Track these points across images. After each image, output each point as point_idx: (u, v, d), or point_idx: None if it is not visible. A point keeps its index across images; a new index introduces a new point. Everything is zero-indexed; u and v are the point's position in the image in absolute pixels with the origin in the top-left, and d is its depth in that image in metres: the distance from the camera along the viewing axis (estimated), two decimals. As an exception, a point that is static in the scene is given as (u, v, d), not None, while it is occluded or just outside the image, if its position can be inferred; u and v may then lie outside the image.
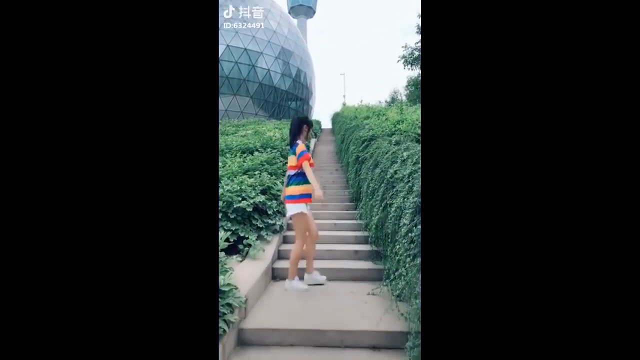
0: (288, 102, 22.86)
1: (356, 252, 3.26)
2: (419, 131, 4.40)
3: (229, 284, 1.92)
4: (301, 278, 2.67)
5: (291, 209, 2.55)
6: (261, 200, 3.45)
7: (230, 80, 20.09)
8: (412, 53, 16.65)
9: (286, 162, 5.46)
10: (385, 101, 20.94)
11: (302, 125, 2.71)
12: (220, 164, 4.77)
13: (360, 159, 4.50)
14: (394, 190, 2.52)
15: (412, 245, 1.81)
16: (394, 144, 3.56)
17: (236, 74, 20.19)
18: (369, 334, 1.86)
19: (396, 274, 2.02)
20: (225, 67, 19.80)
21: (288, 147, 6.16)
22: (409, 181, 2.29)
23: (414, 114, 6.48)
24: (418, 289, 1.60)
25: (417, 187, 2.02)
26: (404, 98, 19.66)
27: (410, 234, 1.85)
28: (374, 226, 2.93)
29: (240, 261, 2.81)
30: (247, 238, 3.05)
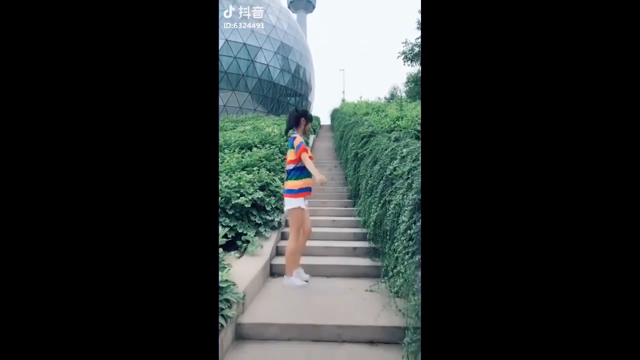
0: (287, 97, 22.76)
1: (354, 249, 3.27)
2: (419, 128, 4.40)
3: (227, 280, 1.93)
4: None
5: (289, 203, 2.55)
6: (259, 196, 3.45)
7: (229, 76, 19.97)
8: (412, 49, 16.56)
9: (285, 158, 5.47)
10: (385, 97, 20.88)
11: (299, 118, 2.69)
12: (218, 159, 4.75)
13: (359, 155, 4.50)
14: (393, 187, 2.52)
15: (410, 242, 1.81)
16: (394, 141, 3.56)
17: (235, 69, 20.06)
18: (366, 329, 1.88)
19: (394, 271, 2.03)
20: (224, 62, 19.66)
21: (287, 143, 6.18)
22: (408, 178, 2.29)
23: (414, 110, 6.47)
24: (416, 285, 1.61)
25: (417, 184, 2.02)
26: (403, 94, 19.61)
27: (409, 231, 1.86)
28: (372, 223, 2.94)
29: (239, 257, 2.81)
30: (246, 234, 3.05)
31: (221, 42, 19.41)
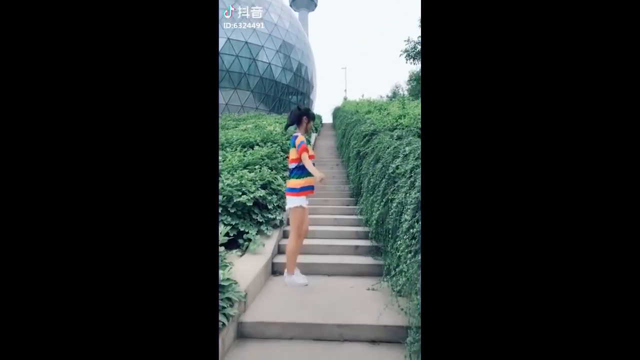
0: (289, 96, 22.73)
1: (356, 247, 3.26)
2: (421, 126, 4.35)
3: (228, 279, 1.92)
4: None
5: (291, 201, 2.54)
6: (261, 194, 3.45)
7: (231, 74, 19.97)
8: (414, 47, 16.48)
9: (286, 157, 5.47)
10: (387, 96, 20.83)
11: (302, 116, 2.67)
12: (220, 158, 4.75)
13: (361, 153, 4.48)
14: (396, 185, 2.50)
15: (413, 241, 1.80)
16: (396, 139, 3.54)
17: (237, 67, 20.06)
18: (368, 328, 1.87)
19: (397, 270, 2.01)
20: (226, 61, 19.67)
21: (289, 142, 6.18)
22: (410, 176, 2.27)
23: (416, 108, 6.44)
24: (419, 284, 1.60)
25: (419, 182, 2.01)
26: (405, 93, 19.54)
27: (411, 230, 1.84)
28: (374, 222, 2.92)
29: (240, 256, 2.81)
30: (247, 232, 3.05)
31: (223, 41, 19.41)
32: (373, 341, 1.84)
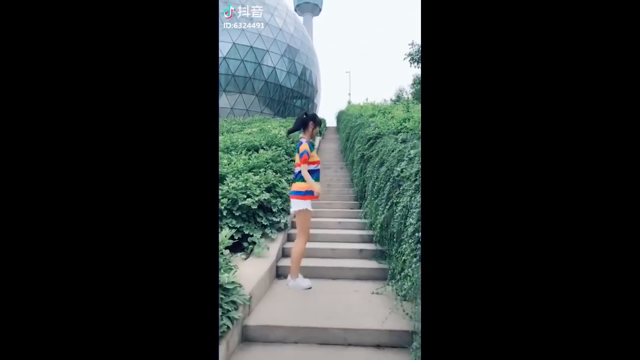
0: (293, 100, 22.84)
1: (360, 251, 3.24)
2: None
3: (233, 282, 1.92)
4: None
5: (296, 204, 2.54)
6: (266, 197, 3.45)
7: (237, 78, 20.13)
8: (418, 51, 16.48)
9: (291, 160, 5.48)
10: (391, 99, 20.80)
11: (308, 121, 2.68)
12: (225, 161, 4.78)
13: (365, 157, 4.48)
14: (401, 189, 2.49)
15: (418, 245, 1.79)
16: (401, 142, 3.53)
17: (242, 72, 20.22)
18: (373, 333, 1.85)
19: (402, 274, 2.00)
20: (231, 65, 19.85)
21: (293, 145, 6.19)
22: (416, 180, 2.26)
23: (421, 112, 6.40)
24: (424, 289, 1.58)
25: (424, 186, 2.00)
26: (409, 96, 19.51)
27: (417, 234, 1.83)
28: (379, 225, 2.91)
29: (245, 259, 2.81)
30: (252, 236, 3.05)
31: (229, 46, 19.61)
32: (378, 346, 1.83)
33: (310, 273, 2.80)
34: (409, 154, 2.78)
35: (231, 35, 19.62)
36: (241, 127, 10.44)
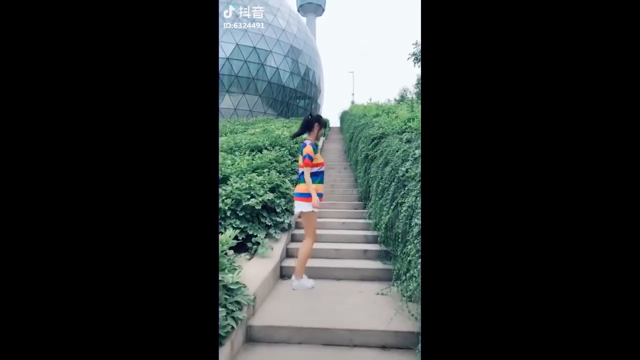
0: (296, 100, 22.87)
1: (365, 251, 3.23)
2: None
3: (237, 282, 1.92)
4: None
5: (301, 206, 2.53)
6: (270, 198, 3.45)
7: (240, 79, 20.21)
8: (422, 50, 16.41)
9: (295, 160, 5.48)
10: (395, 99, 20.76)
11: (312, 123, 2.67)
12: (229, 161, 4.79)
13: (369, 157, 4.46)
14: (406, 189, 2.48)
15: (423, 245, 1.77)
16: (405, 142, 3.51)
17: (245, 72, 20.29)
18: (378, 334, 1.84)
19: (407, 275, 1.98)
20: (234, 66, 19.92)
21: (297, 146, 6.18)
22: (420, 180, 2.24)
23: (425, 112, 6.37)
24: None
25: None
26: (414, 96, 19.46)
27: (422, 234, 1.82)
28: (383, 226, 2.90)
29: (249, 259, 2.81)
30: (256, 236, 3.05)
31: (231, 46, 19.69)
32: (384, 347, 1.81)
33: (315, 274, 2.79)
34: (414, 154, 2.76)
35: (234, 36, 19.70)
36: (244, 127, 10.47)
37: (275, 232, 3.29)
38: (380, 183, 3.30)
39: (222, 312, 1.61)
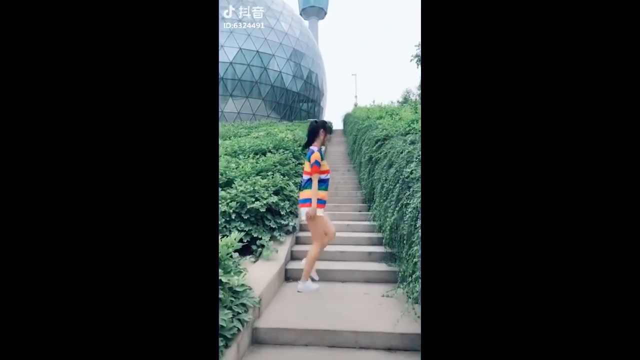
0: (299, 103, 22.95)
1: (370, 253, 3.22)
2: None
3: (243, 285, 1.92)
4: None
5: (305, 212, 2.53)
6: (274, 200, 3.46)
7: (243, 83, 20.34)
8: (425, 52, 16.40)
9: (298, 163, 5.49)
10: (398, 101, 20.75)
11: (318, 129, 2.67)
12: (233, 165, 4.81)
13: (373, 159, 4.46)
14: (411, 190, 2.47)
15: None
16: (410, 144, 3.51)
17: (248, 76, 20.42)
18: (384, 335, 1.83)
19: (413, 276, 1.98)
20: (237, 70, 20.06)
21: (300, 148, 6.19)
22: (425, 181, 2.24)
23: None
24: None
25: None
26: (417, 98, 19.42)
27: (427, 235, 1.81)
28: (388, 227, 2.89)
29: (254, 262, 2.82)
30: (261, 239, 3.06)
31: (235, 50, 19.83)
32: (389, 349, 1.80)
33: (320, 276, 2.79)
34: (419, 155, 2.76)
35: (237, 40, 19.85)
36: (248, 131, 10.52)
37: (280, 235, 3.29)
38: (385, 185, 3.30)
39: (228, 314, 1.62)
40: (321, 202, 2.55)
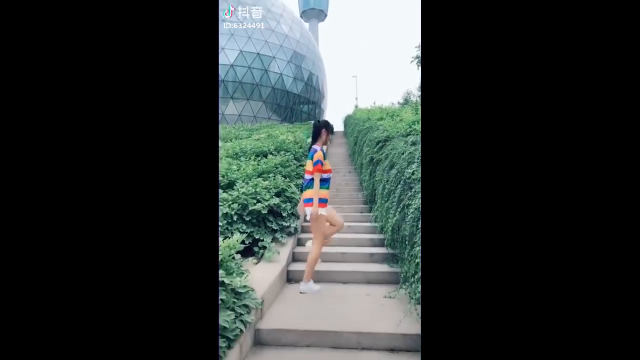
0: (300, 105, 22.99)
1: (371, 255, 3.22)
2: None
3: (245, 286, 1.93)
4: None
5: (309, 211, 2.54)
6: (276, 202, 3.47)
7: (244, 85, 20.39)
8: (425, 54, 16.42)
9: (300, 165, 5.49)
10: (398, 103, 20.77)
11: (320, 129, 2.70)
12: (235, 167, 4.82)
13: (374, 160, 4.46)
14: (412, 191, 2.48)
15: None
16: (411, 145, 3.52)
17: (249, 78, 20.47)
18: (386, 336, 1.83)
19: (415, 277, 1.98)
20: (238, 72, 20.12)
21: (301, 150, 6.20)
22: (426, 182, 2.24)
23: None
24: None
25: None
26: (417, 99, 19.43)
27: (429, 236, 1.81)
28: (390, 228, 2.89)
29: (256, 263, 2.82)
30: (262, 240, 3.06)
31: (235, 53, 19.90)
32: (392, 350, 1.80)
33: (321, 277, 2.79)
34: (420, 156, 2.76)
35: (238, 42, 19.92)
36: (249, 133, 10.53)
37: (282, 236, 3.30)
38: (386, 186, 3.30)
39: (230, 315, 1.62)
40: (323, 201, 2.56)
